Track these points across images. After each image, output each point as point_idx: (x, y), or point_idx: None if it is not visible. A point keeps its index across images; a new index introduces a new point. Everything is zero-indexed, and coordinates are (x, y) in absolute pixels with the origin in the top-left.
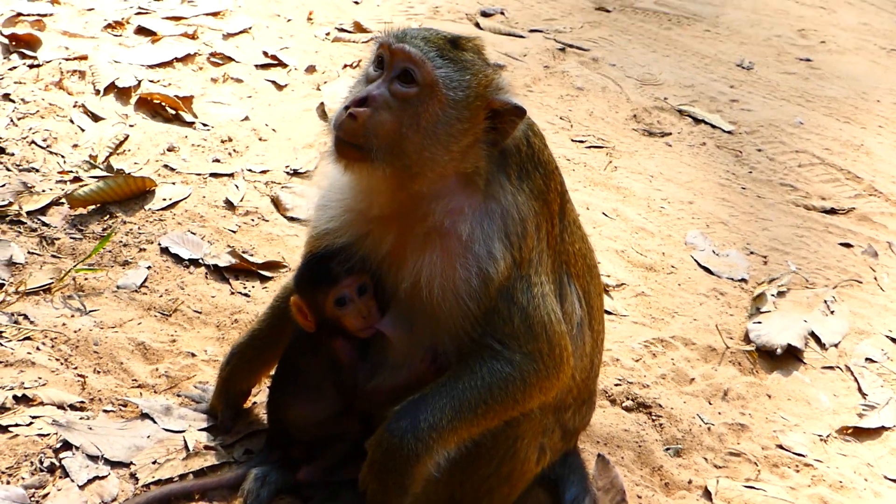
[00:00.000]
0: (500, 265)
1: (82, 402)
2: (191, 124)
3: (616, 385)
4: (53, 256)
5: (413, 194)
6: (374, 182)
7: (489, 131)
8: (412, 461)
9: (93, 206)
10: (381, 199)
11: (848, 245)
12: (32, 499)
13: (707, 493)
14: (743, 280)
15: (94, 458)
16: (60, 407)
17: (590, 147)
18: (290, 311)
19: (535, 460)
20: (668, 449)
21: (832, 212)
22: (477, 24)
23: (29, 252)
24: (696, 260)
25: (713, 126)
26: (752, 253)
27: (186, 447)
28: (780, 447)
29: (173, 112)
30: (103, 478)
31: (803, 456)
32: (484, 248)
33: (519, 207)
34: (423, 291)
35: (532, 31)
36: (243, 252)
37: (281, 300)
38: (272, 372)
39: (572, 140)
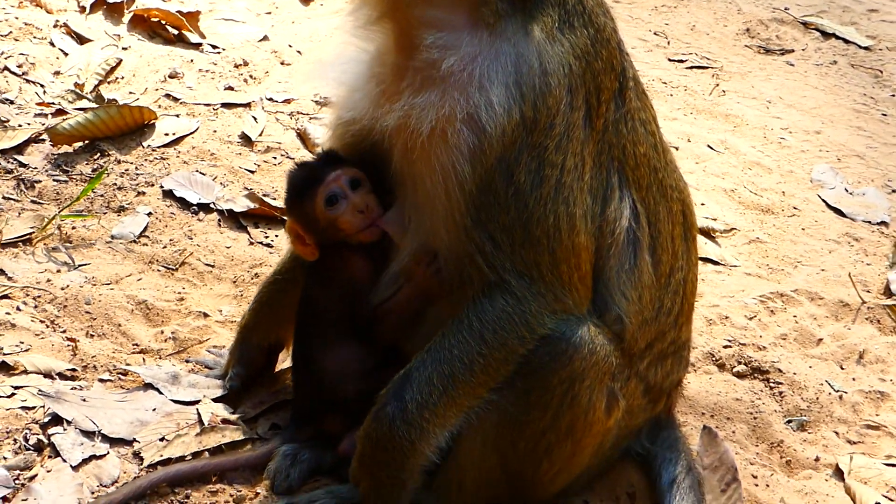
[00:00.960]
0: (499, 117)
1: (73, 369)
2: (197, 46)
3: (725, 347)
4: (34, 202)
5: (410, 18)
6: None
7: None
8: (406, 450)
9: (80, 143)
10: (386, 20)
11: None
12: (17, 481)
13: (839, 472)
14: (883, 223)
15: (89, 435)
16: (48, 375)
17: (691, 67)
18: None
19: (602, 409)
20: (790, 421)
21: None
22: None
23: (4, 197)
24: (824, 200)
25: (846, 41)
26: (894, 191)
27: (200, 421)
28: None
29: (175, 31)
30: (101, 457)
31: None
32: (478, 92)
33: (544, 59)
34: (409, 135)
35: None
36: (264, 195)
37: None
38: None
39: (669, 59)
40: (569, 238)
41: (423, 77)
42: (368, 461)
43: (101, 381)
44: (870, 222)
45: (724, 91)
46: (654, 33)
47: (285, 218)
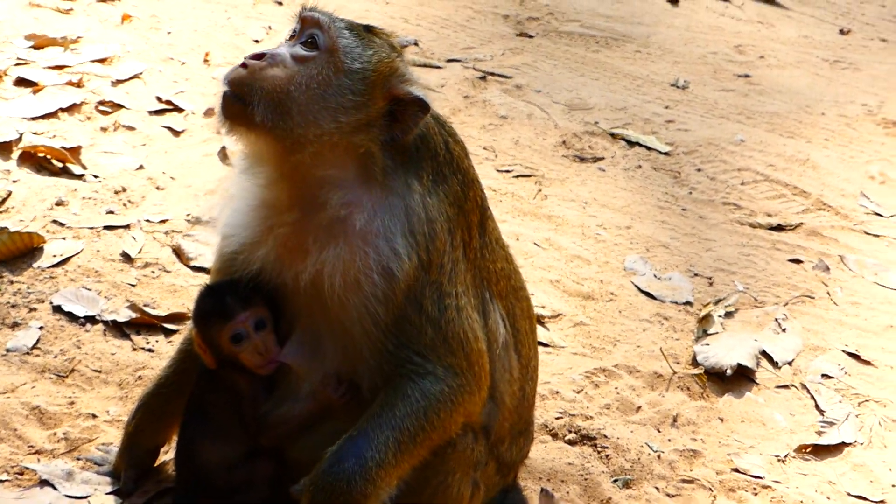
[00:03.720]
0: (404, 263)
1: None
2: (80, 176)
3: (557, 418)
4: None
5: (307, 177)
6: (261, 149)
7: (390, 124)
8: None
9: None
10: (274, 174)
11: (798, 261)
12: None
13: None
14: (688, 303)
15: None
16: None
17: (517, 176)
18: (195, 349)
19: (468, 496)
20: (616, 480)
21: (779, 228)
22: None
23: None
24: (636, 285)
25: (648, 148)
26: (696, 275)
27: None
28: (736, 470)
29: (60, 164)
30: None
31: (761, 478)
32: (385, 243)
33: (427, 208)
34: (325, 287)
35: (450, 60)
36: (144, 305)
37: (188, 342)
38: None
39: (497, 170)
40: (475, 345)
41: (328, 232)
42: None
43: (0, 481)
44: (676, 302)
45: (545, 195)
46: (484, 148)
47: (168, 326)
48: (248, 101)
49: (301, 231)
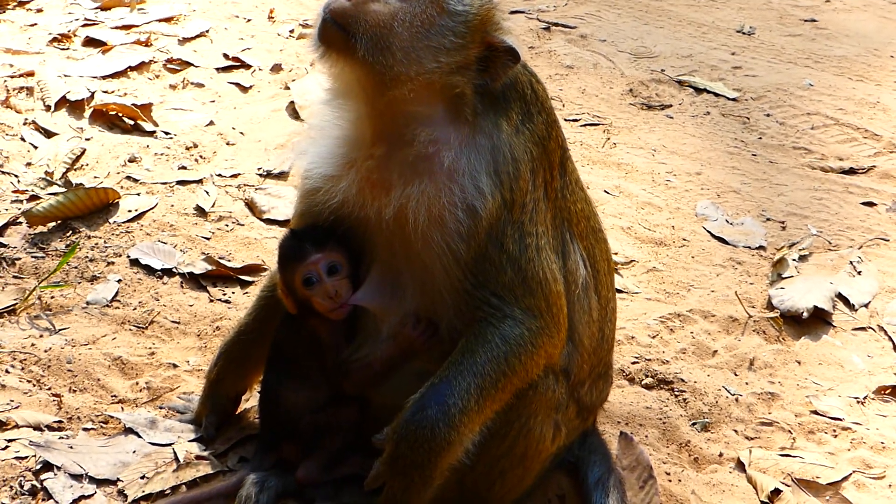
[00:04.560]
0: (487, 201)
1: (60, 421)
2: (152, 133)
3: (633, 363)
4: (15, 277)
5: (400, 113)
6: (355, 81)
7: (482, 70)
8: (443, 450)
9: (53, 223)
10: (363, 108)
11: (871, 204)
12: None
13: (740, 465)
14: (761, 247)
15: (77, 478)
16: (37, 428)
17: (585, 125)
18: (277, 299)
19: (550, 438)
20: (694, 423)
21: (851, 171)
22: None
23: None
24: (708, 231)
25: (716, 94)
26: (768, 220)
27: (176, 459)
28: (815, 413)
29: (132, 122)
30: (89, 496)
31: (840, 420)
32: (470, 181)
33: (513, 148)
34: (409, 222)
35: (513, 12)
36: (220, 258)
37: (268, 290)
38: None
39: (565, 120)
40: (554, 286)
41: (413, 168)
42: (402, 462)
43: (85, 429)
44: (749, 247)
45: (614, 144)
46: (551, 98)
47: (243, 277)
48: (350, 31)
49: (385, 166)
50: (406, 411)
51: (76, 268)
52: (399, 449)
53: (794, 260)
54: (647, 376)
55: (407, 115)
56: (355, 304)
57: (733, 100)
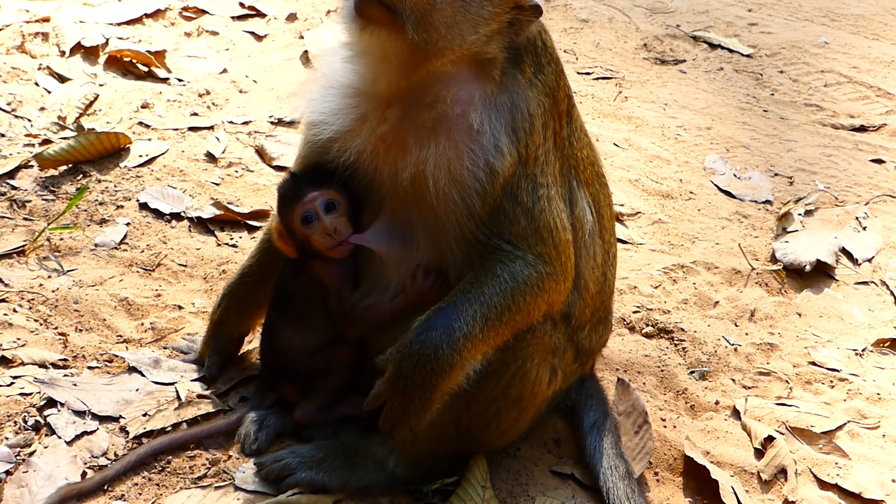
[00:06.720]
0: (505, 160)
1: (65, 359)
2: (165, 80)
3: (634, 312)
4: (25, 219)
5: (425, 76)
6: (392, 52)
7: (509, 26)
8: (445, 373)
9: (64, 167)
10: (393, 74)
11: (880, 161)
12: (18, 457)
13: (736, 413)
14: (767, 202)
15: (80, 414)
16: (42, 366)
17: (597, 79)
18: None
19: (546, 382)
20: (692, 372)
21: (862, 129)
22: None
23: None
24: (715, 184)
25: (731, 50)
26: (776, 175)
27: (178, 397)
28: (813, 364)
29: (145, 69)
30: (92, 432)
31: (837, 371)
32: (491, 141)
33: (529, 102)
34: (427, 183)
35: None
36: (228, 203)
37: (271, 233)
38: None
39: (578, 73)
40: (563, 235)
41: (431, 130)
42: (404, 381)
43: (90, 368)
44: (756, 201)
45: (626, 97)
46: (564, 51)
47: (251, 223)
48: (398, 10)
49: (402, 128)
50: (411, 332)
51: (85, 210)
52: (401, 368)
53: (799, 214)
54: (647, 325)
55: (434, 78)
56: (361, 244)
57: (747, 56)
